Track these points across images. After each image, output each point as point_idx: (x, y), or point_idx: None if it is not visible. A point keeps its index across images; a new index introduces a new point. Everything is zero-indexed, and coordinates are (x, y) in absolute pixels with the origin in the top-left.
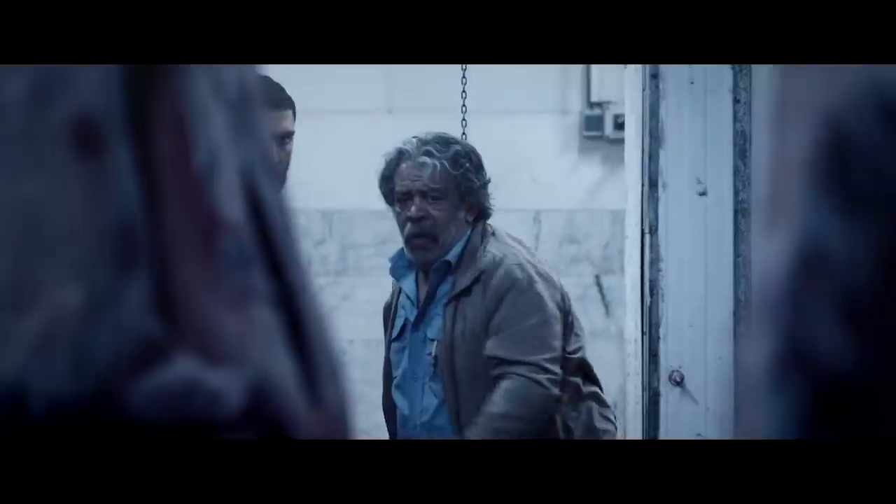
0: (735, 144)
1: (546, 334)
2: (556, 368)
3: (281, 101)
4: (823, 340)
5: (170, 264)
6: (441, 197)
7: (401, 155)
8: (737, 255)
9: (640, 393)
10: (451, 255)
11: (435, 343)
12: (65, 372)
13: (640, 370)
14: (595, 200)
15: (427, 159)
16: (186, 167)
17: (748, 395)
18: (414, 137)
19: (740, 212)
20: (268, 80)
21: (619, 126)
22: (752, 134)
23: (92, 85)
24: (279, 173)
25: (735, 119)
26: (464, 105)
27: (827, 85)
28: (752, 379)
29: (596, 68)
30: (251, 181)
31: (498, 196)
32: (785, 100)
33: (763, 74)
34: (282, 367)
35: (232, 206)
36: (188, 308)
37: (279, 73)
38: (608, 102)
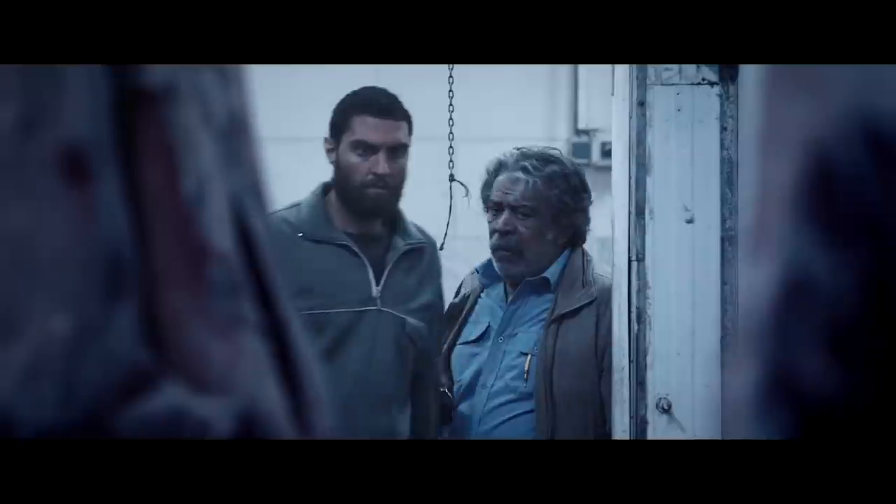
0: (722, 172)
1: None
2: None
3: (393, 110)
4: (808, 368)
5: (158, 293)
6: (530, 214)
7: (500, 165)
8: (724, 282)
9: (628, 421)
10: (550, 273)
11: (528, 358)
12: (53, 400)
13: (627, 398)
14: None
15: (521, 175)
16: (175, 197)
17: (735, 422)
18: (517, 149)
19: (727, 239)
20: (379, 90)
21: (607, 153)
22: (739, 162)
23: (80, 115)
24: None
25: (722, 147)
26: (451, 133)
27: (813, 115)
28: (738, 406)
29: (583, 96)
30: (240, 211)
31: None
32: (771, 129)
33: (750, 103)
34: (270, 396)
35: (220, 236)
36: (176, 337)
37: (266, 100)
38: (595, 130)
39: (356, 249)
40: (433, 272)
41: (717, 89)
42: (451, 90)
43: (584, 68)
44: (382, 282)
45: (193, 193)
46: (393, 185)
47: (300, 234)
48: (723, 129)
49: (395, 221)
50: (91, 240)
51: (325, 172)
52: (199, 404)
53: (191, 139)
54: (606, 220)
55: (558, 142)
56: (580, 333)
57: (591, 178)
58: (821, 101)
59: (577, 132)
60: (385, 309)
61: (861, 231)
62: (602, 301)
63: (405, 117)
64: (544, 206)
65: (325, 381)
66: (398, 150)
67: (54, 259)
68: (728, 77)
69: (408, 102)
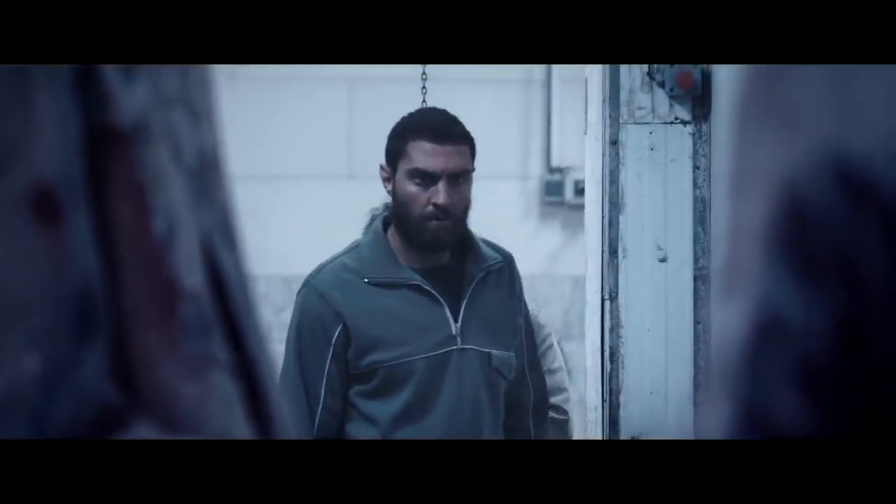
0: (695, 211)
1: None
2: None
3: (453, 132)
4: (781, 407)
5: (128, 332)
6: None
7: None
8: (697, 321)
9: None
10: None
11: None
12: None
13: (600, 437)
14: (555, 266)
15: None
16: (145, 235)
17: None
18: None
19: (700, 278)
20: (437, 111)
21: (580, 191)
22: (711, 200)
23: (50, 153)
24: (237, 240)
25: (695, 185)
26: None
27: (784, 152)
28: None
29: (556, 134)
30: (210, 249)
31: None
32: (743, 167)
33: (722, 141)
34: (240, 435)
35: (191, 275)
36: (146, 376)
37: (239, 139)
38: (569, 168)
39: (429, 287)
40: (514, 289)
41: (689, 128)
42: None
43: (557, 107)
44: (460, 317)
45: (164, 232)
46: (455, 214)
47: (365, 280)
48: (695, 167)
49: (465, 247)
50: (61, 278)
51: (299, 209)
52: None
53: (161, 177)
54: (579, 258)
55: (531, 179)
56: None
57: (564, 216)
58: (793, 140)
59: (551, 170)
60: (467, 346)
61: (833, 269)
62: None
63: (466, 140)
64: None
65: (418, 432)
66: (460, 177)
67: (24, 298)
68: (700, 116)
69: (383, 142)
